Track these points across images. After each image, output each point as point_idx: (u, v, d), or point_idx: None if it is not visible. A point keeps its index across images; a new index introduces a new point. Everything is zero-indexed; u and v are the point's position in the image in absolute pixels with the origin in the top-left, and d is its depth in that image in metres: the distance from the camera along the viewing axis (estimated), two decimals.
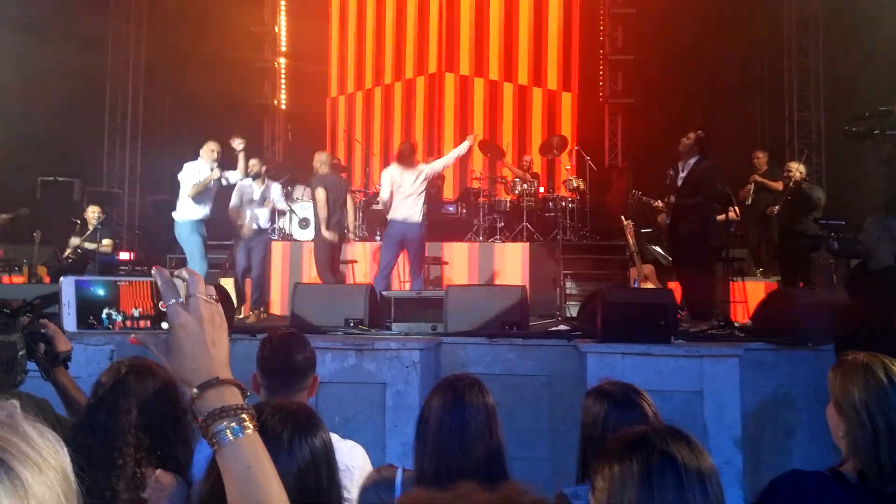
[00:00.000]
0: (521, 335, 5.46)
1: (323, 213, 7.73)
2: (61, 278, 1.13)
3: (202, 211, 7.49)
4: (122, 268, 9.96)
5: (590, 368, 4.77)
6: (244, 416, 1.06)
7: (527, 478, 2.02)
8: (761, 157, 9.51)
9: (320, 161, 8.04)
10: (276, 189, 8.40)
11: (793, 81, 11.61)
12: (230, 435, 1.04)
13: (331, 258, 7.90)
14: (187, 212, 7.43)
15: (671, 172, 7.23)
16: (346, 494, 1.89)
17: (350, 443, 2.49)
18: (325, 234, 7.71)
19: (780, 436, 4.92)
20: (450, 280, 9.19)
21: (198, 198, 7.41)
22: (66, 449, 0.80)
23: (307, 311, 5.82)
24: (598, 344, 4.93)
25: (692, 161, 6.52)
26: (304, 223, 10.20)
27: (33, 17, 10.17)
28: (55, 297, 2.21)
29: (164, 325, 1.10)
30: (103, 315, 1.12)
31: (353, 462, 2.39)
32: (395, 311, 5.97)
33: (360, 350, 5.03)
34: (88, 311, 1.12)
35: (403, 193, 7.61)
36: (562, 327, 6.50)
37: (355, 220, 9.67)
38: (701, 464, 1.29)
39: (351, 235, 9.13)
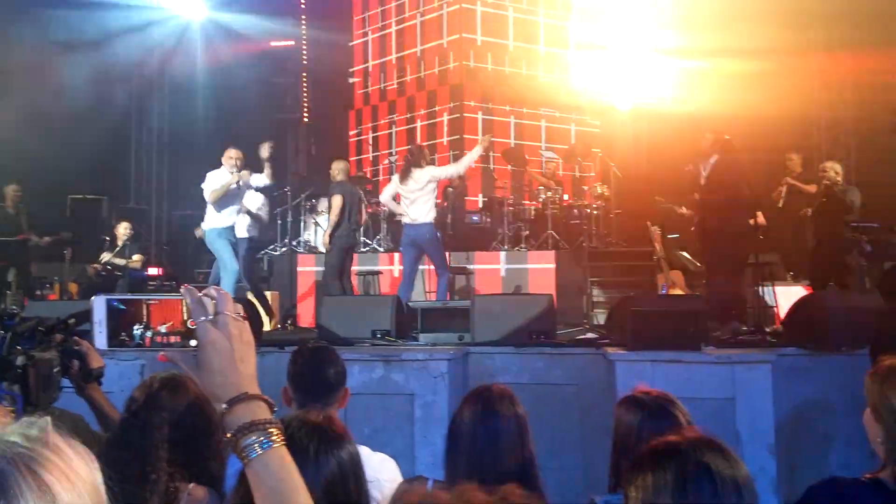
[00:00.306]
0: (549, 344, 5.43)
1: (335, 220, 7.83)
2: (93, 298, 1.15)
3: (228, 219, 7.53)
4: (151, 283, 10.09)
5: (619, 377, 4.72)
6: (272, 429, 1.08)
7: (557, 487, 2.00)
8: (795, 159, 9.23)
9: (338, 169, 8.19)
10: (255, 179, 7.93)
11: (820, 81, 11.46)
12: (259, 448, 1.06)
13: (340, 265, 7.97)
14: (212, 220, 7.50)
15: (690, 168, 7.21)
16: None
17: (381, 455, 2.49)
18: (325, 239, 7.81)
19: (816, 442, 4.83)
20: (476, 289, 9.18)
21: (221, 205, 7.44)
22: (97, 463, 0.83)
23: (334, 322, 5.84)
24: (627, 352, 4.88)
25: (713, 160, 6.56)
26: None
27: (63, 39, 10.38)
28: (87, 315, 2.25)
29: (193, 343, 1.12)
30: (134, 332, 1.14)
31: (384, 475, 2.39)
32: (422, 321, 5.97)
33: (387, 361, 5.03)
34: (119, 329, 1.14)
35: (410, 197, 7.63)
36: (589, 335, 6.45)
37: (365, 229, 9.98)
38: (736, 472, 1.27)
39: (379, 247, 9.16)
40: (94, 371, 2.22)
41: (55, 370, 1.89)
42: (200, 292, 1.13)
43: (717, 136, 6.59)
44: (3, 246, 8.96)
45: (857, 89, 11.13)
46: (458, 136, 12.97)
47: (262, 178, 7.72)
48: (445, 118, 13.33)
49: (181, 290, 1.13)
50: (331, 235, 7.87)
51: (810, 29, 11.60)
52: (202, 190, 7.53)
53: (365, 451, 1.94)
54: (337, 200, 7.90)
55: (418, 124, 13.71)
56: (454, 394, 4.85)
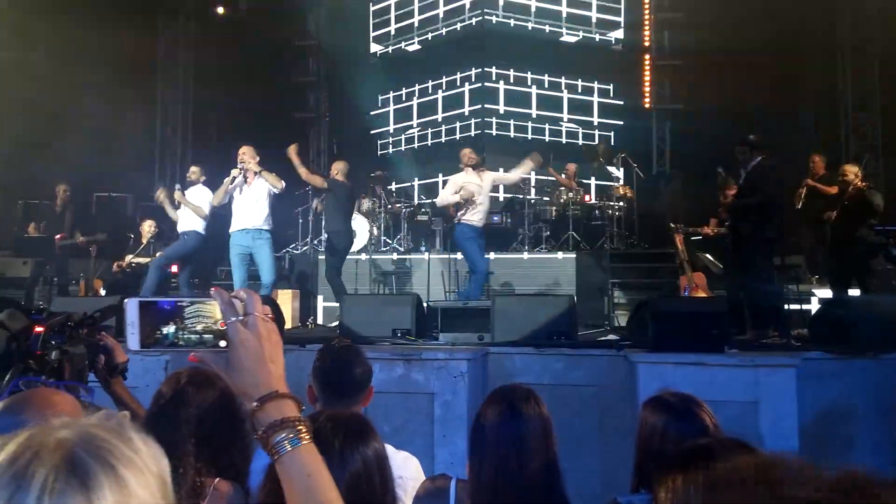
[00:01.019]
0: (570, 344, 5.42)
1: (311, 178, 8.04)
2: (126, 300, 1.17)
3: (236, 222, 7.53)
4: (174, 280, 10.16)
5: (641, 378, 4.70)
6: (301, 427, 1.10)
7: (576, 489, 1.99)
8: (818, 161, 9.11)
9: (337, 169, 8.30)
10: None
11: (848, 82, 11.33)
12: (289, 445, 1.09)
13: (339, 264, 8.16)
14: (231, 224, 7.57)
15: (720, 170, 7.18)
16: None
17: (404, 453, 2.49)
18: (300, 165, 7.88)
19: (841, 447, 4.77)
20: (496, 290, 9.16)
21: (235, 205, 7.50)
22: (167, 460, 0.86)
23: (355, 321, 5.87)
24: (648, 353, 4.86)
25: (755, 161, 6.54)
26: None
27: (87, 38, 10.50)
28: (112, 310, 2.28)
29: (222, 344, 1.14)
30: (166, 333, 1.16)
31: (408, 473, 2.39)
32: (442, 320, 5.98)
33: (407, 360, 5.04)
34: (152, 331, 1.16)
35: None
36: (611, 337, 6.43)
37: (386, 228, 10.31)
38: None
39: (399, 246, 9.13)
40: (120, 366, 2.25)
41: (87, 363, 1.93)
42: (230, 294, 1.15)
43: (750, 143, 6.55)
44: (37, 242, 9.11)
45: (886, 82, 10.99)
46: (479, 107, 12.97)
47: (272, 187, 7.55)
48: (467, 87, 13.35)
49: (211, 293, 1.15)
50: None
51: (838, 27, 11.49)
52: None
53: (389, 449, 1.94)
54: (328, 198, 8.20)
55: (439, 95, 13.74)
56: (474, 393, 4.86)
